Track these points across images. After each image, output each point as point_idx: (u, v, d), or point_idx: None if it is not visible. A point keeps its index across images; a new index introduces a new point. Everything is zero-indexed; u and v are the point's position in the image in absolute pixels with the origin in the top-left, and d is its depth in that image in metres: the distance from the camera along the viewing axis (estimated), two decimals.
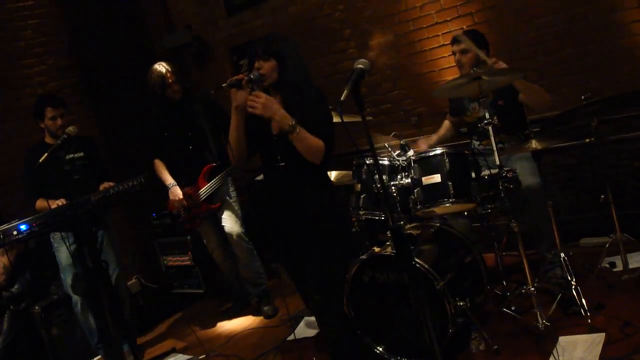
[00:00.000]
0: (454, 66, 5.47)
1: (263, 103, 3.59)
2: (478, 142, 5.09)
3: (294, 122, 3.59)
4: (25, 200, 5.61)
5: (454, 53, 5.09)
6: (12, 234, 4.48)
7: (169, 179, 5.85)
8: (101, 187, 5.16)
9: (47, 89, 7.10)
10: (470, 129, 5.24)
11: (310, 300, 4.04)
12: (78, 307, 5.54)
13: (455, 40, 5.08)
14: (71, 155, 5.50)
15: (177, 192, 5.80)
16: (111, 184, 5.17)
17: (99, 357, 5.70)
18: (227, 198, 5.87)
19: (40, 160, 4.71)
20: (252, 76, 3.68)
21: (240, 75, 3.69)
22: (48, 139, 5.51)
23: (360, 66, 3.12)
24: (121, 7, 7.91)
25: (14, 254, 5.69)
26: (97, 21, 7.61)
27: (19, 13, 7.14)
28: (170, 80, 5.62)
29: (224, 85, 3.71)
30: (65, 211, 4.65)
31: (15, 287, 5.78)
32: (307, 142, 3.65)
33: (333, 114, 5.31)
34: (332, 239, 3.82)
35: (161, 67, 5.67)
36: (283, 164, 3.80)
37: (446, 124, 5.54)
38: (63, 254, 5.44)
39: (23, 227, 4.52)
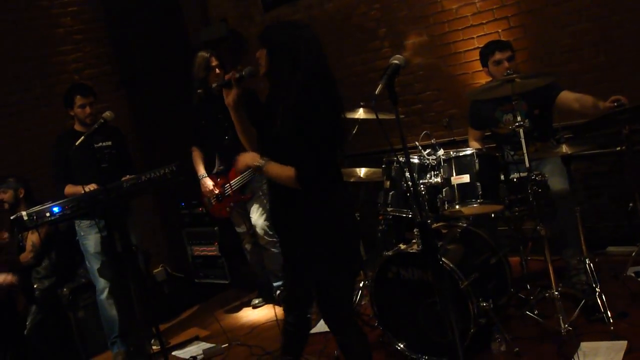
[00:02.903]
0: None
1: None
2: (513, 153, 5.02)
3: (262, 163, 3.47)
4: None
5: (497, 61, 5.00)
6: (45, 215, 4.57)
7: (201, 170, 5.99)
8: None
9: (82, 75, 7.21)
10: (501, 140, 5.23)
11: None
12: (104, 294, 5.53)
13: (499, 47, 5.04)
14: (100, 144, 5.55)
15: (207, 184, 5.93)
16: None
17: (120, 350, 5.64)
18: (258, 191, 5.93)
19: (77, 143, 4.76)
20: (243, 73, 3.57)
21: (229, 75, 3.60)
22: (77, 127, 5.60)
23: (396, 62, 3.12)
24: None
25: (44, 233, 5.79)
26: (134, 11, 7.69)
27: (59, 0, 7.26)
28: (213, 64, 5.72)
29: (214, 86, 3.69)
30: (98, 196, 4.73)
31: (43, 265, 5.89)
32: (275, 175, 3.48)
33: (364, 111, 5.39)
34: (329, 254, 3.53)
35: (206, 52, 5.81)
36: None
37: (475, 142, 5.47)
38: (91, 242, 5.51)
39: (56, 209, 4.62)
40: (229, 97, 3.58)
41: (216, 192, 5.89)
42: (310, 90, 3.37)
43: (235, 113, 3.62)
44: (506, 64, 4.95)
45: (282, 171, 3.41)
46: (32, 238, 5.81)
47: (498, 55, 5.01)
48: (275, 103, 3.52)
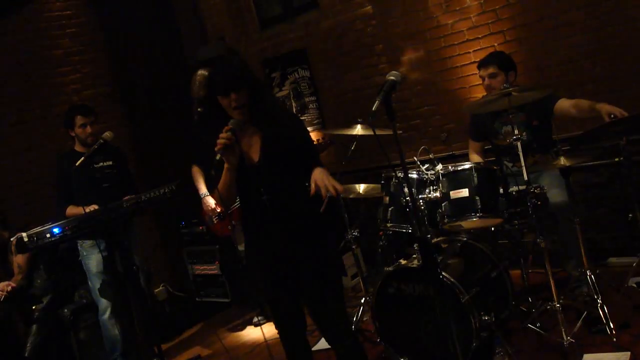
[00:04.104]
0: None
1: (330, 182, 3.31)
2: (511, 164, 5.06)
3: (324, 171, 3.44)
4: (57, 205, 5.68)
5: (482, 78, 5.09)
6: (45, 236, 4.57)
7: (202, 189, 5.97)
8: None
9: (81, 96, 7.23)
10: (500, 152, 5.24)
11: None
12: (107, 314, 5.54)
13: (482, 64, 5.10)
14: (100, 164, 5.56)
15: (209, 202, 5.91)
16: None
17: None
18: None
19: (77, 164, 4.78)
20: (233, 127, 3.39)
21: (223, 142, 3.33)
22: (78, 147, 5.59)
23: (392, 78, 3.13)
24: (156, 18, 8.03)
25: (28, 254, 5.78)
26: (132, 32, 7.74)
27: (57, 22, 7.30)
28: None
29: (217, 158, 3.34)
30: (98, 216, 4.74)
31: (35, 285, 5.88)
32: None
33: (362, 127, 5.40)
34: (334, 275, 3.68)
35: (206, 70, 5.80)
36: (267, 197, 3.44)
37: (475, 155, 5.50)
38: (93, 262, 5.52)
39: (56, 230, 4.62)
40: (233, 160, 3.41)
41: (218, 210, 5.88)
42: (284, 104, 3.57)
43: (233, 172, 3.45)
44: (487, 81, 5.03)
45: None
46: (17, 260, 5.79)
47: (480, 72, 5.11)
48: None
